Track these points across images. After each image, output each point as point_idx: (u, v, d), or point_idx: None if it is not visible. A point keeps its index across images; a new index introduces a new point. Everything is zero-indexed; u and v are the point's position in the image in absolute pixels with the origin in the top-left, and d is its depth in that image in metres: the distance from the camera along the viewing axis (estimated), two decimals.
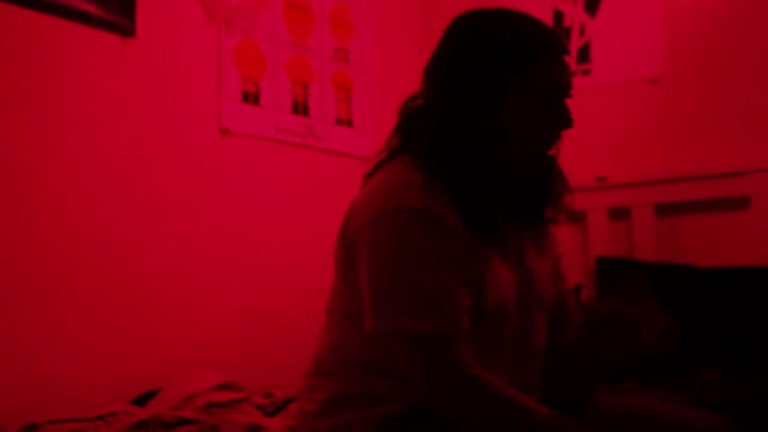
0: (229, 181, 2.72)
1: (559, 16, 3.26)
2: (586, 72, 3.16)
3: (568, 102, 1.27)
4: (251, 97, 2.81)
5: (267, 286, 2.77)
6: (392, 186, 1.19)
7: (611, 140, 3.07)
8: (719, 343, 2.46)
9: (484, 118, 1.21)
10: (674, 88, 2.97)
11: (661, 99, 3.00)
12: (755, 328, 2.48)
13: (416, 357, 1.14)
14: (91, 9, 2.27)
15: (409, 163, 1.23)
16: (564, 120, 1.26)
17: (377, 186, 1.22)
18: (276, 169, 2.89)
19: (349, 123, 3.20)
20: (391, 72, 3.38)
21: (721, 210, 2.82)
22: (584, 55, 3.18)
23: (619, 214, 3.00)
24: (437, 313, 1.13)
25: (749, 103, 2.81)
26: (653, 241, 2.88)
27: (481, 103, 1.20)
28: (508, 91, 1.20)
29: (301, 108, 3.00)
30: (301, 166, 2.98)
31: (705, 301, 2.58)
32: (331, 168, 3.09)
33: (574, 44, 3.20)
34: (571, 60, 1.27)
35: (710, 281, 2.64)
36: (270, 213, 2.85)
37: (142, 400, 2.14)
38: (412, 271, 1.14)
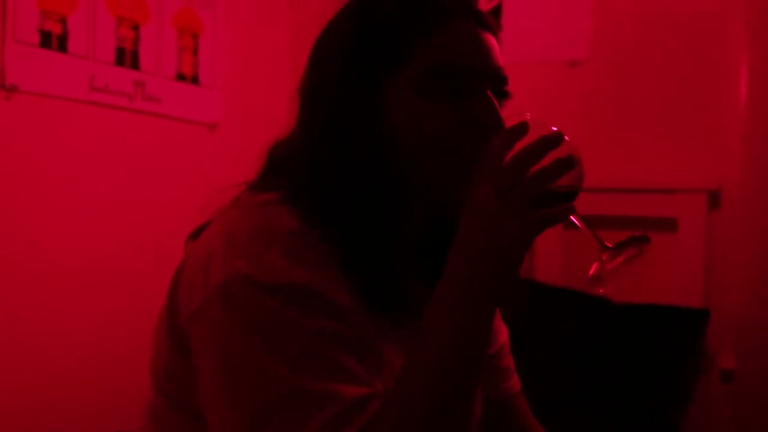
0: (19, 162, 1.96)
1: None
2: None
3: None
4: (54, 41, 2.03)
5: (72, 300, 2.07)
6: (245, 239, 0.78)
7: None
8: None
9: (365, 128, 0.83)
10: (599, 73, 2.46)
11: (583, 85, 2.47)
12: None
13: None
14: None
15: (279, 200, 0.82)
16: (487, 120, 0.82)
17: (220, 236, 0.81)
18: (89, 145, 2.13)
19: (194, 79, 2.46)
20: (255, 14, 2.65)
21: (646, 229, 2.37)
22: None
23: None
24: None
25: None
26: (559, 262, 2.39)
27: (358, 106, 0.84)
28: (392, 78, 0.83)
29: (128, 57, 2.23)
30: (125, 139, 2.23)
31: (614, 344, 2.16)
32: (170, 140, 2.36)
33: (483, 5, 2.60)
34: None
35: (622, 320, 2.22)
36: (79, 206, 2.11)
37: None
38: (285, 373, 0.73)
